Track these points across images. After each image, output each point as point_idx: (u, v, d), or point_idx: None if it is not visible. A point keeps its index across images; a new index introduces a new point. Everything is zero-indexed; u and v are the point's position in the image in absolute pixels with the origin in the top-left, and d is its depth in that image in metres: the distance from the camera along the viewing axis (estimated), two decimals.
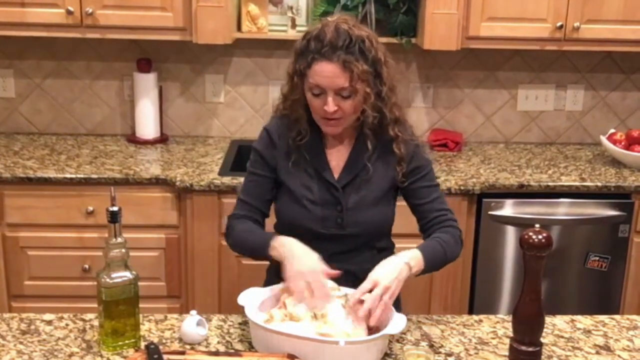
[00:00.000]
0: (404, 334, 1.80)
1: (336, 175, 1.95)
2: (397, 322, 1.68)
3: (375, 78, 1.85)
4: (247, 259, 2.57)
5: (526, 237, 1.56)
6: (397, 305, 1.89)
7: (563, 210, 2.98)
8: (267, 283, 2.03)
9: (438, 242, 1.89)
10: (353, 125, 1.95)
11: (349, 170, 1.95)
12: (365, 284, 1.72)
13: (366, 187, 1.95)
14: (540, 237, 1.55)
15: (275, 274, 2.02)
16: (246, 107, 3.47)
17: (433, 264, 1.86)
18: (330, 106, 1.82)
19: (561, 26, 3.05)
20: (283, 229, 2.01)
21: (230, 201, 2.13)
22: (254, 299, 1.77)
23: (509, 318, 1.77)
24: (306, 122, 1.93)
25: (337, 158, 1.97)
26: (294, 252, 1.81)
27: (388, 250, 2.05)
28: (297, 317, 1.69)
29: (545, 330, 1.72)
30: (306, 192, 1.95)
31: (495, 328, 1.87)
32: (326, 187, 1.95)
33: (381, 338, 1.66)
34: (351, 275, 1.87)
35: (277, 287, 1.83)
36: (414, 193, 1.98)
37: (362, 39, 1.82)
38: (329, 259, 1.85)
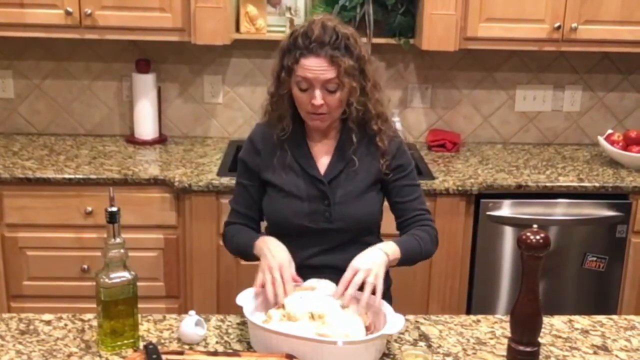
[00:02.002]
0: (402, 334, 1.80)
1: (322, 170, 1.98)
2: (395, 322, 1.68)
3: (359, 74, 1.90)
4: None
5: (524, 237, 1.56)
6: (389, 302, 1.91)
7: (561, 210, 2.98)
8: None
9: (414, 238, 1.95)
10: (337, 120, 1.98)
11: (336, 165, 1.98)
12: (347, 275, 1.75)
13: (352, 180, 1.98)
14: (538, 237, 1.56)
15: None
16: (245, 107, 3.48)
17: (408, 256, 1.90)
18: (317, 99, 1.86)
19: (559, 27, 3.05)
20: (272, 227, 2.04)
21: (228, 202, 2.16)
22: (252, 299, 1.78)
23: (507, 318, 1.77)
24: (290, 117, 1.97)
25: (322, 153, 2.01)
26: (269, 247, 1.86)
27: None
28: (296, 317, 1.69)
29: (543, 330, 1.73)
30: (293, 188, 1.97)
31: (493, 328, 1.87)
32: (313, 182, 1.97)
33: (379, 338, 1.66)
34: (339, 271, 1.90)
35: None
36: (396, 190, 2.02)
37: (347, 36, 1.88)
38: (317, 254, 1.87)
